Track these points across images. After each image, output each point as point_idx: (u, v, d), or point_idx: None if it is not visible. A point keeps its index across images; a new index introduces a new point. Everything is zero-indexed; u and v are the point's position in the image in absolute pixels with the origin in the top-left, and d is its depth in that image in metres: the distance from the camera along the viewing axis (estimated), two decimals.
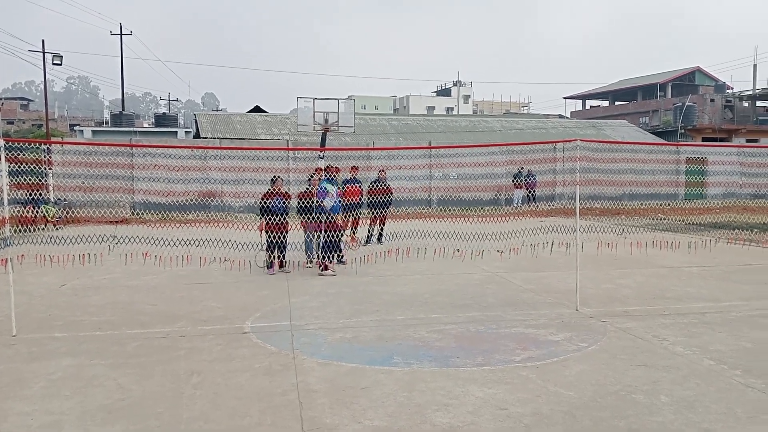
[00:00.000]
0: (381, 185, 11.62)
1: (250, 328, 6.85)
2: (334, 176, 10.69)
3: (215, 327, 6.89)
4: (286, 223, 10.12)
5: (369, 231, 13.03)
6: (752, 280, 9.46)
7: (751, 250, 12.56)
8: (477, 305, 7.82)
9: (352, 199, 11.93)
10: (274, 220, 9.85)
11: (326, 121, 21.20)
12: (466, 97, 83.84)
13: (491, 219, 11.31)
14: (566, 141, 8.08)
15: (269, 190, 10.41)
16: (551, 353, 5.77)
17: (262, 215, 10.16)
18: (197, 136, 28.25)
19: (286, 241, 10.10)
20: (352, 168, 13.38)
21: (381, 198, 11.05)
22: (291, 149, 24.97)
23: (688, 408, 4.39)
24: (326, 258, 10.14)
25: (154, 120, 45.73)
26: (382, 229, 13.07)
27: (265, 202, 10.24)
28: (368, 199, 11.66)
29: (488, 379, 5.06)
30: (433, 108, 79.28)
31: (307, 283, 9.52)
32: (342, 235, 11.19)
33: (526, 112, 79.40)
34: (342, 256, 10.96)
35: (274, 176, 10.54)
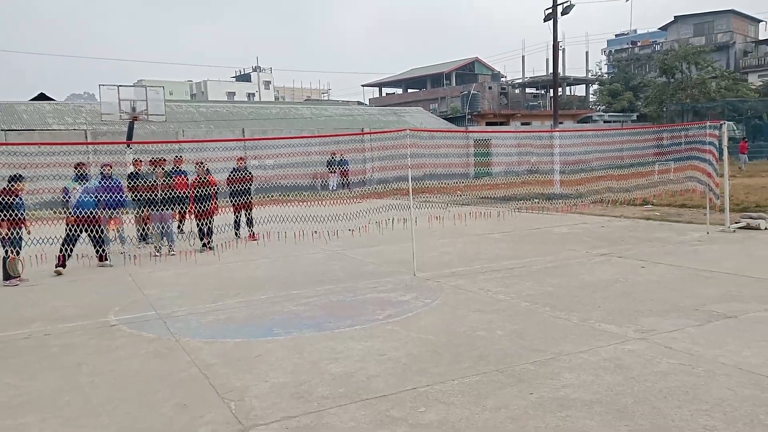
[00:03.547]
0: (242, 174, 11.80)
1: (116, 320, 6.91)
2: (83, 173, 10.45)
3: (77, 324, 6.83)
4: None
5: (199, 224, 12.98)
6: (542, 240, 11.58)
7: (536, 217, 15.08)
8: (329, 280, 8.64)
9: (177, 192, 11.96)
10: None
11: (134, 109, 20.26)
12: (267, 83, 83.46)
13: (325, 202, 12.18)
14: (399, 131, 9.19)
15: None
16: (405, 310, 6.83)
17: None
18: None
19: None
20: (176, 160, 13.30)
21: (242, 186, 11.28)
22: (99, 143, 23.26)
23: (519, 337, 5.70)
24: (103, 251, 9.92)
25: None
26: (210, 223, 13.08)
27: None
28: (229, 188, 11.78)
29: (362, 335, 5.93)
30: (234, 94, 77.71)
31: (153, 276, 9.55)
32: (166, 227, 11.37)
33: (326, 98, 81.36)
34: (171, 247, 11.24)
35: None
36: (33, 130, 23.96)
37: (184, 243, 11.95)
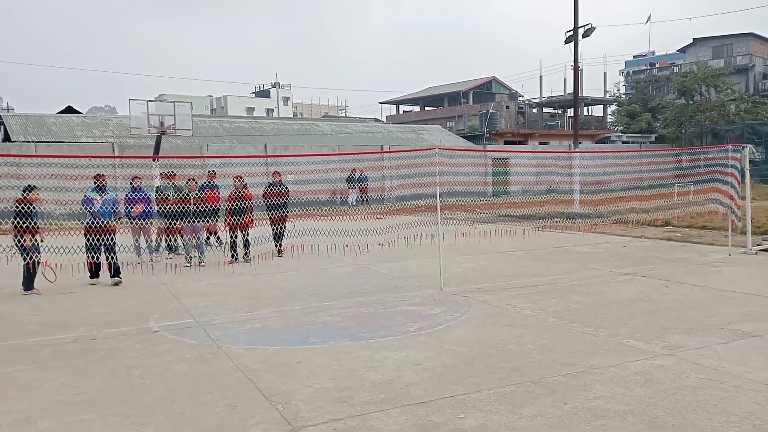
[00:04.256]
0: (278, 188, 12.11)
1: (157, 327, 7.20)
2: (103, 184, 10.60)
3: (121, 329, 7.12)
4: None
5: (232, 237, 13.28)
6: (564, 258, 11.75)
7: (557, 235, 15.25)
8: (358, 293, 8.89)
9: (209, 205, 12.31)
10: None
11: (162, 124, 20.78)
12: (286, 99, 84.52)
13: (349, 217, 12.45)
14: (428, 149, 9.46)
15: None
16: (436, 323, 7.04)
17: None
18: (6, 139, 25.62)
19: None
20: (209, 174, 13.68)
21: (279, 200, 11.56)
22: (127, 157, 23.78)
23: (549, 350, 5.89)
24: (112, 259, 9.96)
25: None
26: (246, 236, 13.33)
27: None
28: (265, 202, 12.09)
29: (396, 346, 6.15)
30: (253, 109, 78.72)
31: (187, 286, 9.85)
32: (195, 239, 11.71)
33: (344, 115, 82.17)
34: (201, 257, 11.60)
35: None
36: (62, 142, 24.57)
37: (216, 254, 12.26)
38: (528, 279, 9.66)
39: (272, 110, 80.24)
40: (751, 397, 4.55)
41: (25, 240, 9.11)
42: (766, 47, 54.12)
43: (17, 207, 9.15)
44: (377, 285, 9.44)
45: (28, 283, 9.38)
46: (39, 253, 9.22)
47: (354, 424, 4.26)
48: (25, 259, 9.20)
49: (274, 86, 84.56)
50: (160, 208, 12.15)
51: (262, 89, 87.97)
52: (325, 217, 11.75)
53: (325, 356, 5.86)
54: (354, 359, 5.74)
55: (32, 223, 9.22)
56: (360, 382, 5.10)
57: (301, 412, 4.51)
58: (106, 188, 10.58)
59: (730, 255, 11.41)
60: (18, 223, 9.04)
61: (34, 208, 9.37)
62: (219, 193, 13.09)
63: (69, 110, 31.59)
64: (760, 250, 11.76)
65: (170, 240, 12.73)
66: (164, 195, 12.50)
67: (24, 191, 9.46)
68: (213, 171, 13.69)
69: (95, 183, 10.55)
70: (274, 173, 12.55)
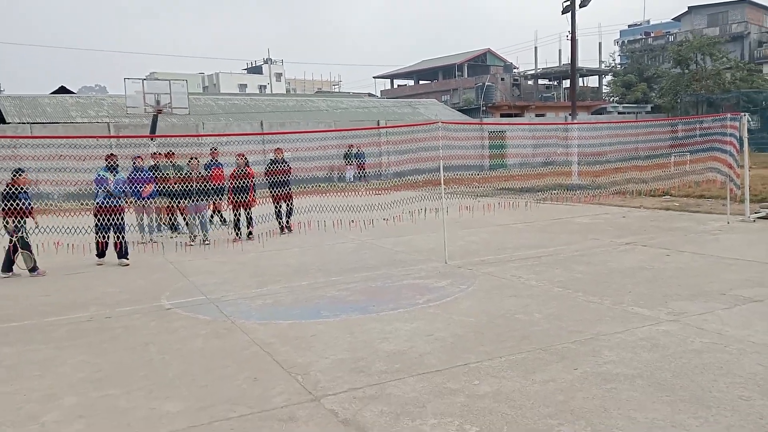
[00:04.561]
0: (281, 165, 12.13)
1: (169, 304, 7.31)
2: (115, 164, 10.64)
3: (134, 308, 7.24)
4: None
5: (236, 215, 13.30)
6: (564, 230, 11.88)
7: (556, 207, 15.37)
8: (363, 267, 9.01)
9: (215, 184, 12.36)
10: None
11: (158, 102, 20.69)
12: (279, 75, 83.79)
13: (349, 193, 12.53)
14: (428, 123, 9.49)
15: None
16: (443, 295, 7.18)
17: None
18: (1, 121, 25.45)
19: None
20: (212, 152, 13.69)
21: (281, 178, 11.60)
22: (125, 137, 23.64)
23: (556, 318, 6.04)
24: (122, 239, 10.00)
25: None
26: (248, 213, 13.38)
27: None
28: (268, 179, 12.11)
29: (406, 318, 6.29)
30: (245, 86, 78.11)
31: (194, 264, 9.95)
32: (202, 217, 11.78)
33: (337, 90, 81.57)
34: (206, 237, 11.67)
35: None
36: (57, 123, 24.44)
37: (220, 232, 12.35)
38: (530, 251, 9.79)
39: (265, 87, 79.61)
40: (755, 359, 4.71)
41: (8, 223, 9.11)
42: (761, 14, 53.82)
43: (6, 190, 9.17)
44: (382, 260, 9.56)
45: (8, 265, 9.41)
46: (23, 236, 9.18)
47: (373, 393, 4.40)
48: (11, 241, 9.22)
49: (266, 62, 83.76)
50: (160, 188, 12.18)
51: (254, 65, 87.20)
52: (326, 194, 11.82)
53: (338, 329, 6.00)
54: (366, 331, 5.87)
55: (22, 206, 9.20)
56: (375, 353, 5.24)
57: (321, 382, 4.65)
58: (117, 168, 10.59)
59: (728, 223, 11.56)
60: (6, 206, 9.06)
61: (23, 190, 9.35)
62: (223, 171, 13.09)
63: (62, 90, 31.34)
64: (758, 217, 11.91)
65: (172, 219, 12.81)
66: (164, 174, 12.52)
67: (13, 174, 9.46)
68: (215, 148, 13.66)
69: (107, 163, 10.53)
70: (276, 150, 12.53)
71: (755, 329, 5.42)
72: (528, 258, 9.18)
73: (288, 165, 12.34)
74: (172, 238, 12.69)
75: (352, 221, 9.47)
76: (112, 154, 11.03)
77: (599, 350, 5.06)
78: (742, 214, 11.94)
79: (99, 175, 10.35)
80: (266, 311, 6.85)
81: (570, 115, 26.84)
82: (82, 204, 10.35)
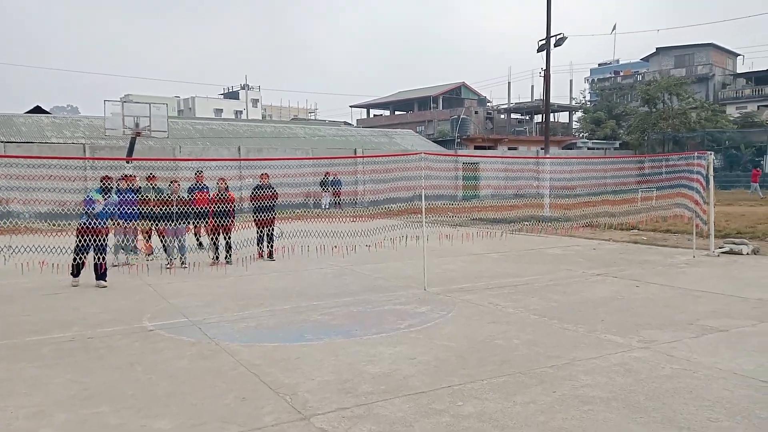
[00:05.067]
0: (267, 191, 12.23)
1: (152, 326, 7.34)
2: (110, 186, 10.66)
3: (116, 328, 7.25)
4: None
5: (213, 239, 13.30)
6: (538, 260, 12.21)
7: (529, 238, 15.75)
8: (345, 293, 9.15)
9: (199, 207, 12.41)
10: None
11: (137, 125, 20.72)
12: (255, 101, 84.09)
13: (328, 220, 12.70)
14: (412, 153, 9.78)
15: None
16: (424, 320, 7.36)
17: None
18: None
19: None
20: (197, 176, 13.74)
21: (267, 203, 11.69)
22: (101, 159, 23.52)
23: (534, 344, 6.26)
24: (102, 260, 9.90)
25: None
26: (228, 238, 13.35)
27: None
28: (253, 204, 12.17)
29: (389, 342, 6.45)
30: (221, 111, 78.07)
31: (173, 287, 9.96)
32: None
33: (313, 118, 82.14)
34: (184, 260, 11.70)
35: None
36: (32, 142, 24.20)
37: (197, 256, 12.37)
38: (506, 279, 10.06)
39: (241, 112, 79.76)
40: (722, 384, 4.98)
41: None
42: (725, 57, 56.20)
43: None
44: (362, 286, 9.72)
45: None
46: None
47: (361, 412, 4.54)
48: None
49: (243, 88, 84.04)
50: (140, 210, 12.16)
51: (230, 91, 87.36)
52: (304, 220, 11.99)
53: (322, 352, 6.12)
54: (351, 354, 6.01)
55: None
56: (360, 375, 5.38)
57: (309, 402, 4.77)
58: (111, 190, 10.59)
59: (694, 257, 12.03)
60: None
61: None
62: (209, 195, 13.09)
63: (37, 110, 31.05)
64: (722, 252, 12.41)
65: (148, 242, 12.78)
66: (144, 197, 12.53)
67: None
68: (201, 171, 13.71)
69: (102, 184, 10.50)
70: (261, 175, 12.67)
71: (722, 357, 5.72)
72: (504, 286, 9.44)
73: (274, 190, 12.47)
74: (148, 260, 12.66)
75: (335, 246, 9.63)
76: (107, 176, 10.94)
77: (576, 374, 5.29)
78: (707, 249, 12.43)
79: (88, 197, 10.33)
80: (250, 334, 6.94)
81: (542, 149, 27.57)
82: (53, 225, 10.29)
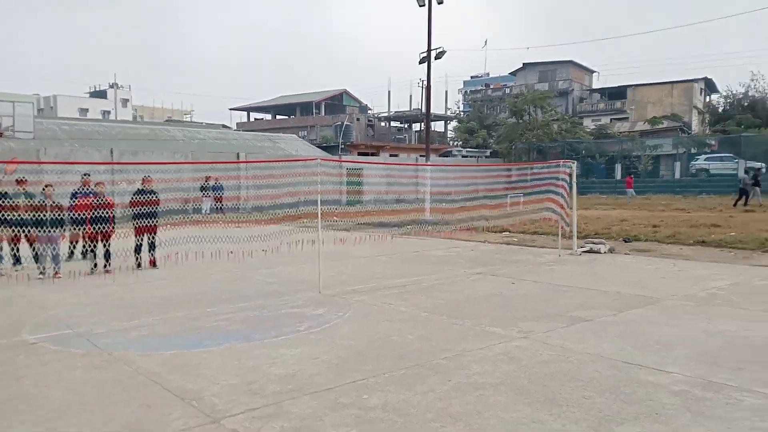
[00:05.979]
0: (148, 196, 11.65)
1: (34, 339, 6.94)
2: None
3: None
4: None
5: (88, 246, 12.59)
6: (423, 261, 12.84)
7: (412, 241, 16.43)
8: (239, 298, 9.12)
9: (80, 213, 11.74)
10: None
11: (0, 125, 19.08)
12: (125, 101, 79.66)
13: (210, 226, 12.55)
14: (308, 159, 9.96)
15: None
16: (322, 322, 7.58)
17: None
18: None
19: None
20: (83, 179, 12.93)
21: (148, 209, 11.18)
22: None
23: (427, 339, 6.70)
24: None
25: None
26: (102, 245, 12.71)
27: None
28: (133, 210, 11.55)
29: (290, 344, 6.60)
30: (87, 110, 73.24)
31: (51, 298, 9.39)
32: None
33: (189, 120, 79.16)
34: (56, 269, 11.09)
35: None
36: None
37: (74, 264, 11.70)
38: (396, 280, 10.52)
39: (109, 112, 75.28)
40: (591, 367, 5.67)
41: None
42: (583, 74, 61.43)
43: None
44: (256, 291, 9.73)
45: None
46: None
47: (271, 411, 4.68)
48: None
49: (112, 87, 79.32)
50: (5, 216, 11.30)
51: (98, 90, 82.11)
52: (182, 226, 11.67)
53: (223, 357, 6.15)
54: (253, 357, 6.10)
55: None
56: (265, 376, 5.50)
57: (217, 405, 4.83)
58: None
59: (560, 256, 13.23)
60: None
61: None
62: (94, 200, 12.36)
63: None
64: (583, 251, 13.75)
65: (14, 250, 11.89)
66: (13, 202, 11.64)
67: None
68: (88, 174, 12.92)
69: None
70: (143, 179, 12.19)
71: (590, 343, 6.47)
72: (395, 287, 9.88)
73: (157, 196, 12.04)
74: (16, 270, 11.77)
75: (231, 252, 9.58)
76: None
77: (467, 364, 5.77)
78: (571, 249, 13.70)
79: None
80: (144, 342, 6.78)
81: (422, 156, 28.71)
82: None
